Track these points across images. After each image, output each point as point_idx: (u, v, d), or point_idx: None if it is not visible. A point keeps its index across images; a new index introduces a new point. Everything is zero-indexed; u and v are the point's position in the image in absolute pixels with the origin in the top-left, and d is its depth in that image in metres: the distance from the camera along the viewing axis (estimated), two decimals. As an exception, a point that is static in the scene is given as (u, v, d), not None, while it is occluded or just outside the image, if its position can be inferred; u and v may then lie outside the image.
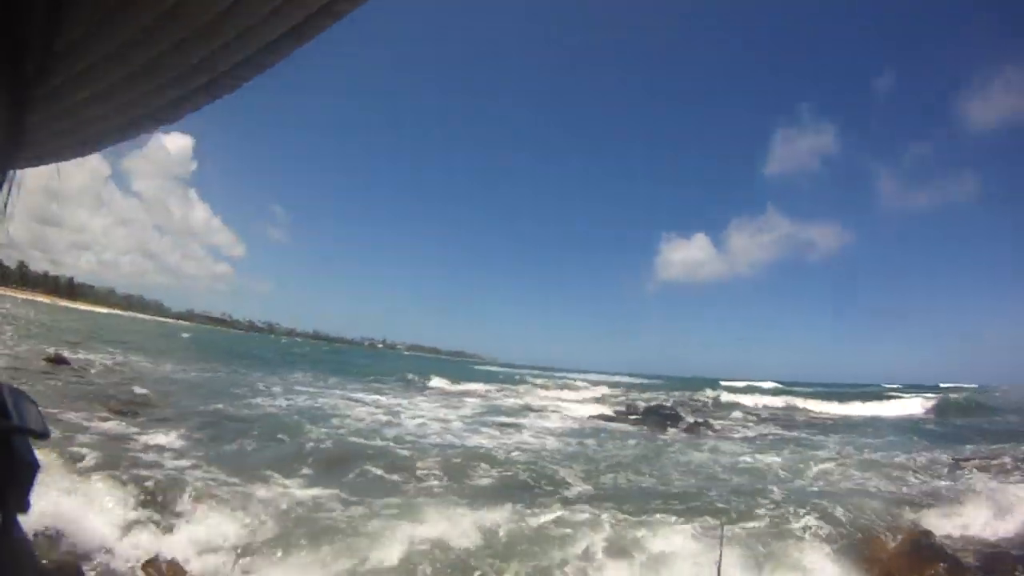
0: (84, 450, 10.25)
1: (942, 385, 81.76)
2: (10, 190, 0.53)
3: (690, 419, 30.20)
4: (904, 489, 13.54)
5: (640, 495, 12.58)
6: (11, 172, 0.51)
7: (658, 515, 10.61)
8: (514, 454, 16.41)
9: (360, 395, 27.28)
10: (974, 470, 15.21)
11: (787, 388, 74.48)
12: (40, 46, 0.49)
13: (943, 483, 13.87)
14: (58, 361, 21.46)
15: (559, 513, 10.56)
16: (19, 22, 0.46)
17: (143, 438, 12.46)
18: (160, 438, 12.62)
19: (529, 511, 10.66)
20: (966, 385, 76.25)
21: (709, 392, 46.35)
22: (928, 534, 9.78)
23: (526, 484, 12.88)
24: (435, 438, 17.03)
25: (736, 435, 25.81)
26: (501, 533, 9.20)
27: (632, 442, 21.86)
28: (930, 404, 38.84)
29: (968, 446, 19.74)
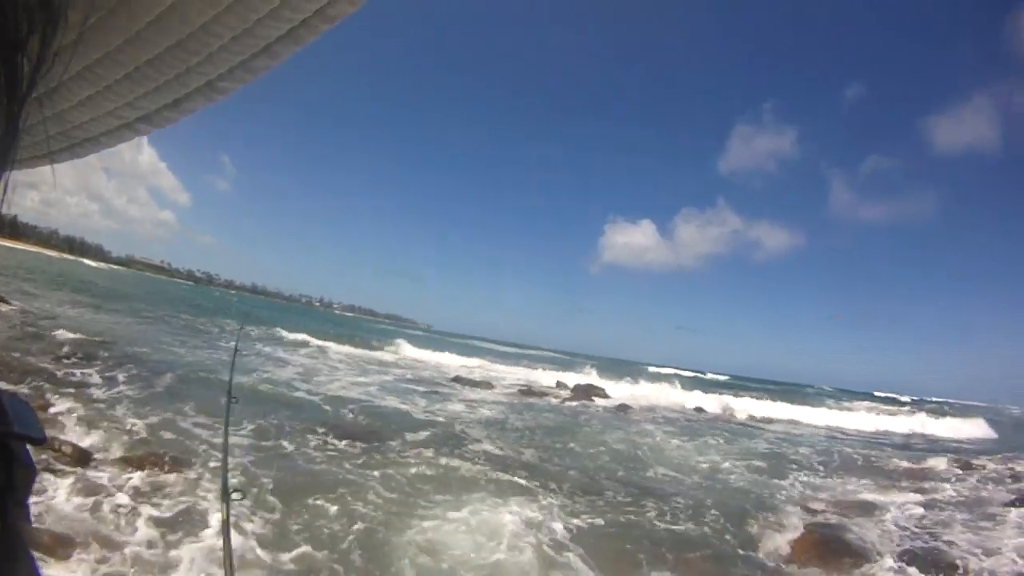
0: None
1: (876, 394, 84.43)
2: (4, 192, 0.54)
3: (616, 399, 30.73)
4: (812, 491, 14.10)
5: (533, 463, 13.13)
6: (5, 173, 0.52)
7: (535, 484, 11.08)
8: (430, 419, 16.77)
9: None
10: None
11: (726, 381, 76.28)
12: (35, 48, 0.50)
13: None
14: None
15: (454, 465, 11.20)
16: (14, 23, 0.47)
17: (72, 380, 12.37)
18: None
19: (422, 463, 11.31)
20: (902, 397, 78.75)
21: (639, 375, 46.82)
22: (838, 528, 10.24)
23: (434, 443, 13.37)
24: (354, 405, 17.01)
25: (659, 419, 26.36)
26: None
27: (551, 415, 22.36)
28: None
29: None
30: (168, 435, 10.10)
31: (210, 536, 6.85)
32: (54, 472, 7.45)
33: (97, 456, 8.26)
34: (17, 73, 0.49)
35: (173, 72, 0.96)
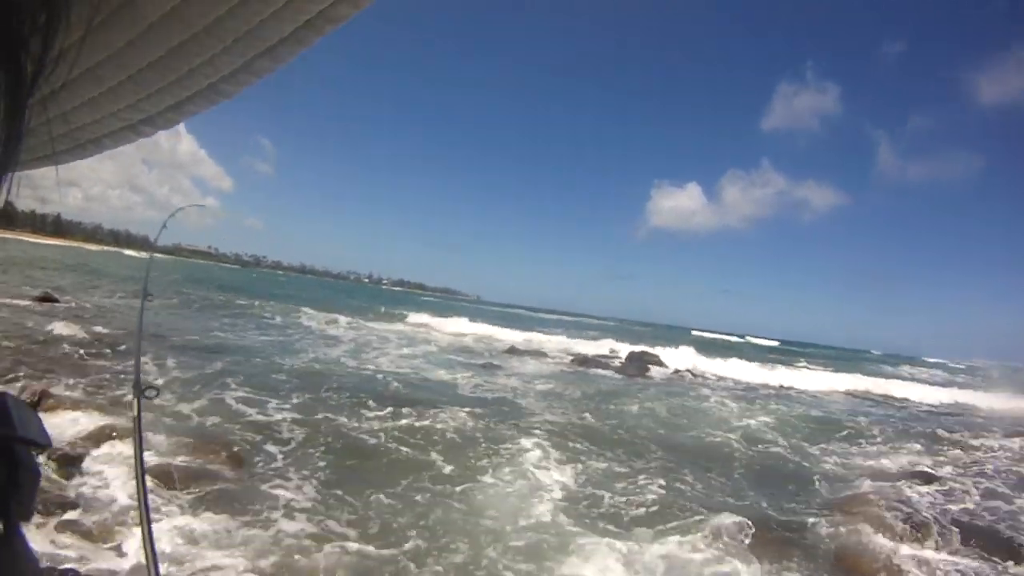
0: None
1: (927, 359, 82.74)
2: (8, 192, 0.53)
3: (673, 366, 30.30)
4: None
5: (586, 430, 13.38)
6: (8, 175, 0.52)
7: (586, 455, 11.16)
8: (482, 392, 16.98)
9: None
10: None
11: (776, 347, 75.43)
12: (39, 48, 0.49)
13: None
14: (46, 300, 21.79)
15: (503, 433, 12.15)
16: (18, 24, 0.46)
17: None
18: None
19: (482, 425, 12.50)
20: (953, 364, 76.52)
21: (690, 342, 46.20)
22: (898, 499, 10.04)
23: (487, 413, 13.91)
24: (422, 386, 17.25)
25: (718, 386, 25.98)
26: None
27: (606, 384, 22.41)
28: None
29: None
30: (216, 420, 10.54)
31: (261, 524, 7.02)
32: (104, 457, 7.67)
33: (151, 444, 8.44)
34: (20, 73, 0.48)
35: (176, 74, 0.95)
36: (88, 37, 0.71)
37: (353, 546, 6.75)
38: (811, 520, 9.25)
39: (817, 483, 11.31)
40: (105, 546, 5.77)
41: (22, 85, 0.48)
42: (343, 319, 36.63)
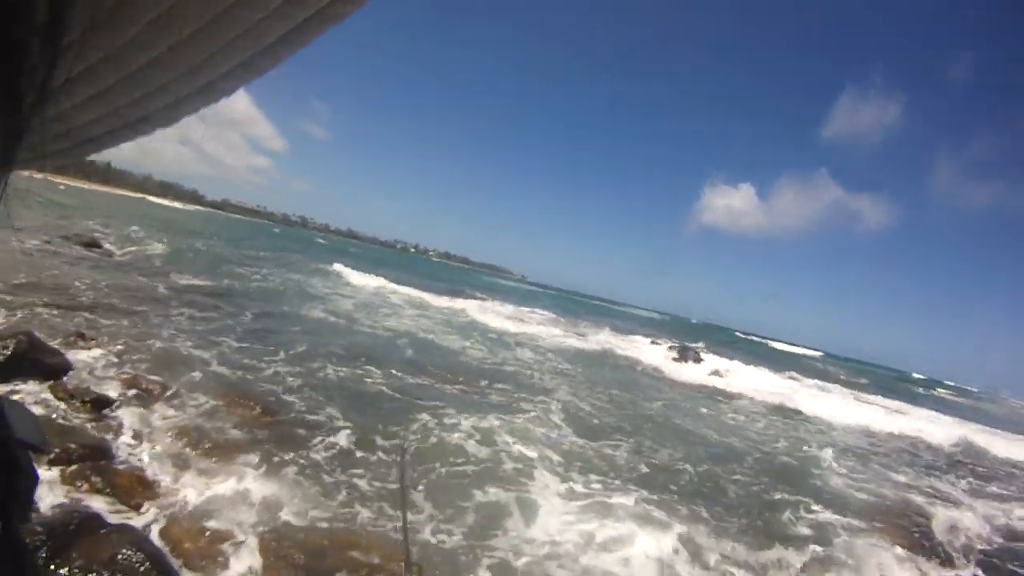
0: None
1: (971, 388, 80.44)
2: (5, 191, 0.54)
3: (712, 365, 29.65)
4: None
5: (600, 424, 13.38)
6: (7, 174, 0.52)
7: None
8: (503, 366, 17.82)
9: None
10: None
11: (820, 358, 74.23)
12: (38, 47, 0.49)
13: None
14: (91, 245, 22.08)
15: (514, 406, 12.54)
16: (17, 23, 0.46)
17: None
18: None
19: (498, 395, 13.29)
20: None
21: (734, 345, 45.28)
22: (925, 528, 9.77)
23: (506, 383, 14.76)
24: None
25: (757, 389, 25.18)
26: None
27: (631, 377, 22.52)
28: None
29: None
30: (247, 375, 10.88)
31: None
32: (144, 405, 7.83)
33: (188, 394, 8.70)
34: (19, 73, 0.49)
35: (175, 72, 0.95)
36: (86, 36, 0.72)
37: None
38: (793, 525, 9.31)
39: (824, 497, 10.93)
40: (129, 501, 5.83)
41: (21, 84, 0.48)
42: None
